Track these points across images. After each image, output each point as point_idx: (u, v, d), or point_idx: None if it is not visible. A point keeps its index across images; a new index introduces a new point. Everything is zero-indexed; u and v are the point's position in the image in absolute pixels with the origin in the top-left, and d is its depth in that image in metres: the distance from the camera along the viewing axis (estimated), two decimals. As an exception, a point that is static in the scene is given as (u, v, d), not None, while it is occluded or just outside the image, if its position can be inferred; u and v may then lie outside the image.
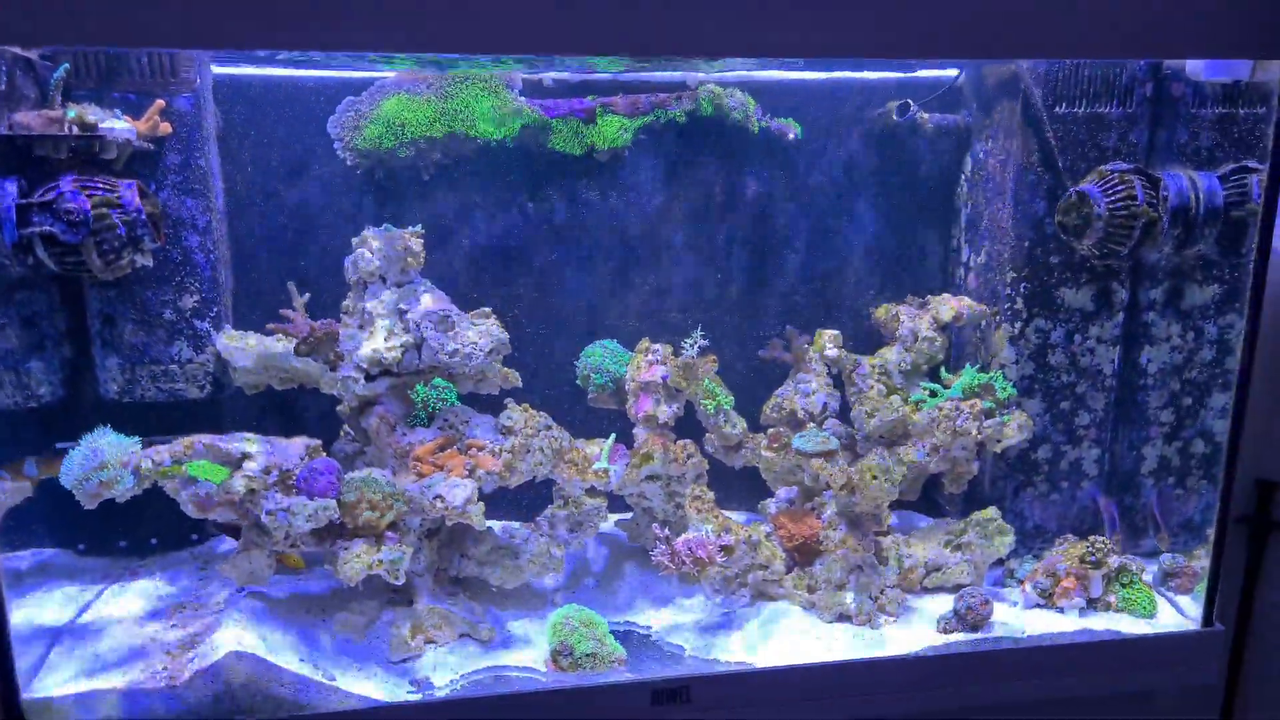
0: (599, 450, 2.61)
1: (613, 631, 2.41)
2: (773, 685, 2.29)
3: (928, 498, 2.92)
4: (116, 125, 2.27)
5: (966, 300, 2.76)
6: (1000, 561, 2.75)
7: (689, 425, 2.76)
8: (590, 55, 2.43)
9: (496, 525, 2.64)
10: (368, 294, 2.51)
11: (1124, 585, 2.59)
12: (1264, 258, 2.26)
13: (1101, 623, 2.51)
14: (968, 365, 2.74)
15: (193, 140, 2.44)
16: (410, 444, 2.47)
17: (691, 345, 2.74)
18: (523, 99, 2.70)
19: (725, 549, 2.49)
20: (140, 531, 2.66)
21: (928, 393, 2.72)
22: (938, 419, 2.64)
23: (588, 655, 2.29)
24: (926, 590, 2.66)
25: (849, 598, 2.53)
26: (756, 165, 2.87)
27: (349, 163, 2.68)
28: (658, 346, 2.73)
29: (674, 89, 2.76)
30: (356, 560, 2.26)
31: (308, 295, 2.47)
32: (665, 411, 2.65)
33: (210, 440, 2.28)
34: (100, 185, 2.23)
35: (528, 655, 2.39)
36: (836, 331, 2.83)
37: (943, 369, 2.77)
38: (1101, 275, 2.66)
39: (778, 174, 2.89)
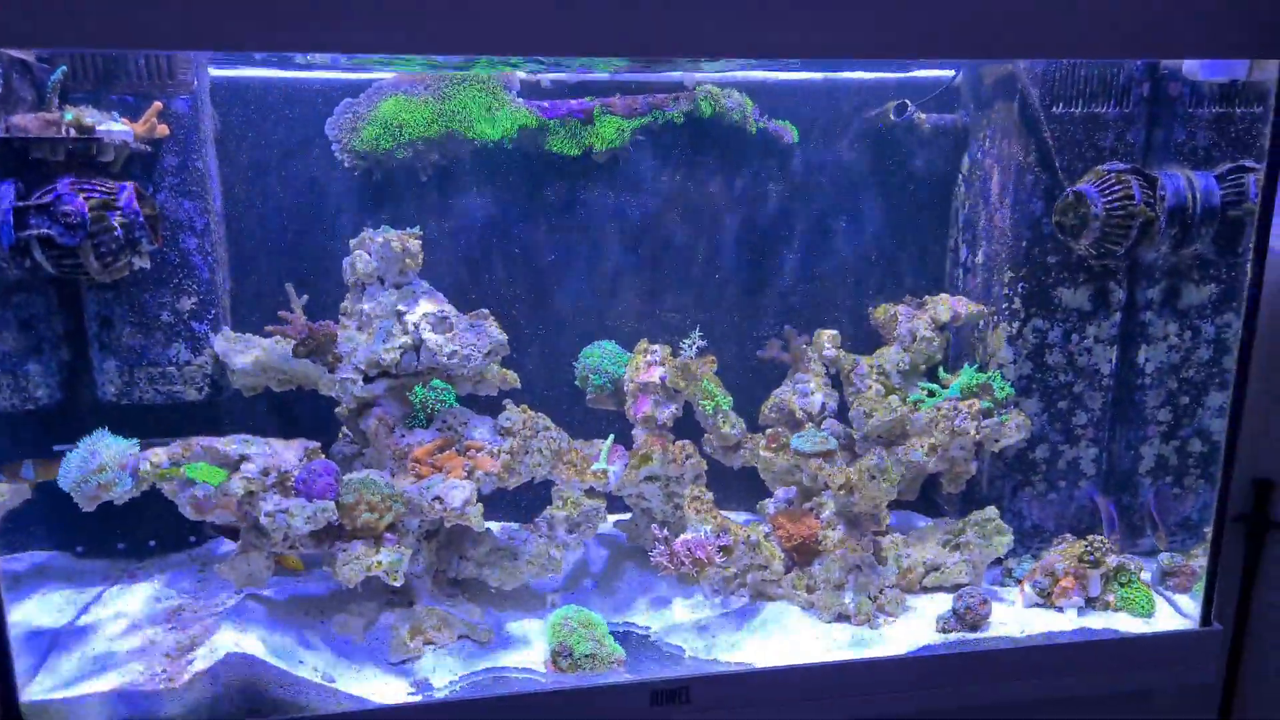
0: (598, 451, 2.61)
1: (612, 632, 2.41)
2: (772, 685, 2.29)
3: (926, 498, 2.92)
4: (114, 127, 2.27)
5: (964, 300, 2.77)
6: (999, 561, 2.75)
7: (688, 426, 2.76)
8: (590, 56, 2.43)
9: (495, 526, 2.64)
10: (366, 295, 2.51)
11: (1122, 584, 2.59)
12: (1261, 257, 2.26)
13: (1100, 622, 2.52)
14: (966, 365, 2.74)
15: (190, 142, 2.44)
16: (409, 445, 2.47)
17: (690, 346, 2.74)
18: (520, 100, 2.69)
19: (724, 549, 2.49)
20: (139, 534, 2.66)
21: (926, 393, 2.72)
22: (936, 419, 2.65)
23: (587, 656, 2.29)
24: (925, 590, 2.66)
25: (848, 598, 2.53)
26: (754, 166, 2.87)
27: (347, 164, 2.68)
28: (656, 347, 2.73)
29: (672, 89, 2.76)
30: (355, 562, 2.26)
31: (306, 297, 2.47)
32: (664, 412, 2.65)
33: (208, 442, 2.28)
34: (98, 188, 2.23)
35: (527, 656, 2.38)
36: (835, 332, 2.83)
37: (941, 369, 2.78)
38: (1099, 275, 2.67)
39: (775, 174, 2.89)
